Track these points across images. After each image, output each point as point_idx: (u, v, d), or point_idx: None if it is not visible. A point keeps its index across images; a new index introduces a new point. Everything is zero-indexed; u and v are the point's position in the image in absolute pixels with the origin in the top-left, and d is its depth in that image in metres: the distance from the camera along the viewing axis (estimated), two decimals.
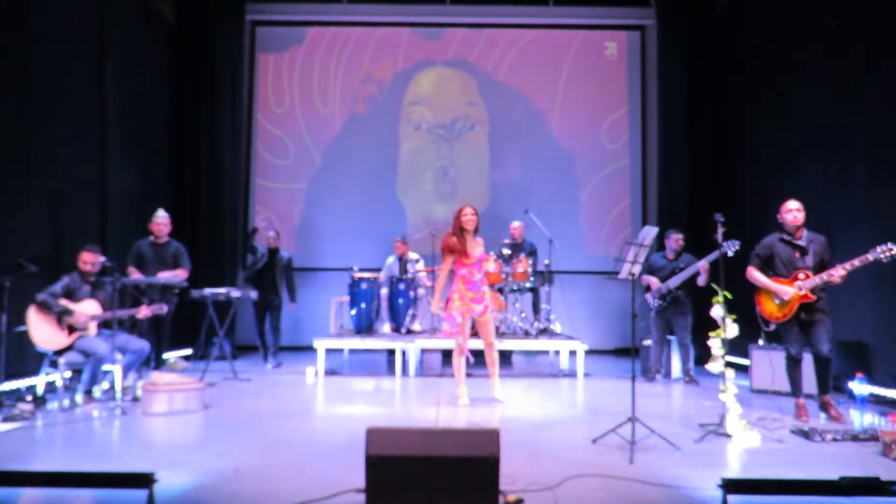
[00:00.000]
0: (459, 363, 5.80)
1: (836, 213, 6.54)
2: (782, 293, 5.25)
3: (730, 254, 5.90)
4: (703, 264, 6.79)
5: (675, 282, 7.04)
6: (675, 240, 7.27)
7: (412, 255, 8.67)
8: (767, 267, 5.43)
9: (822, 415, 5.35)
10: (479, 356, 6.16)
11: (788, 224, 5.35)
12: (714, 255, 6.50)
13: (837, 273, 5.07)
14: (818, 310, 5.26)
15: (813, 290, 5.20)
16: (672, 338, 7.38)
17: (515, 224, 8.62)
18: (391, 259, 8.77)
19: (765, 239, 5.51)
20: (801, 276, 5.23)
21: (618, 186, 10.29)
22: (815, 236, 5.34)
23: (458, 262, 5.72)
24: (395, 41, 10.43)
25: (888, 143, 5.98)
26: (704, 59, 9.38)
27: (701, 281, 6.88)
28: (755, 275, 5.44)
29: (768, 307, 5.39)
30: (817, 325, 5.25)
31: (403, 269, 8.49)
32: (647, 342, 7.41)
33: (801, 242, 5.32)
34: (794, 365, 5.41)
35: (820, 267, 5.27)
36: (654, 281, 7.17)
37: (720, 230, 5.07)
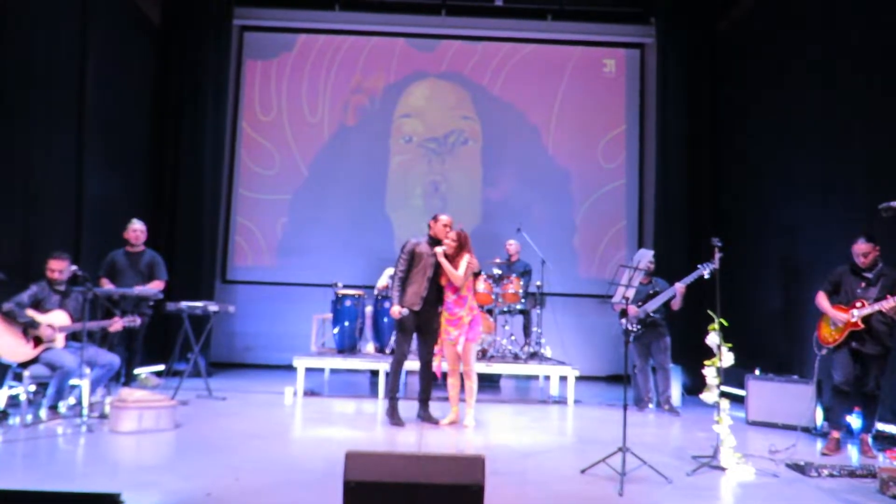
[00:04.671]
0: (451, 383, 5.94)
1: (838, 235, 6.40)
2: (837, 319, 5.30)
3: (706, 275, 5.91)
4: (679, 287, 6.68)
5: (652, 305, 6.87)
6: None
7: None
8: (836, 293, 5.49)
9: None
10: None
11: (857, 264, 5.37)
12: (691, 278, 6.42)
13: (888, 304, 5.00)
14: (872, 342, 5.19)
15: (867, 320, 5.16)
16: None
17: (511, 242, 8.45)
18: None
19: (839, 266, 5.55)
20: (858, 304, 5.23)
21: (613, 207, 10.15)
22: (890, 270, 5.27)
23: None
24: (387, 51, 10.30)
25: (890, 165, 5.94)
26: (705, 79, 9.26)
27: (676, 304, 6.79)
28: (820, 300, 5.52)
29: (824, 332, 5.46)
30: (868, 359, 5.23)
31: None
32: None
33: (869, 274, 5.30)
34: (837, 394, 5.41)
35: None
36: (630, 306, 6.97)
37: (717, 255, 5.04)
